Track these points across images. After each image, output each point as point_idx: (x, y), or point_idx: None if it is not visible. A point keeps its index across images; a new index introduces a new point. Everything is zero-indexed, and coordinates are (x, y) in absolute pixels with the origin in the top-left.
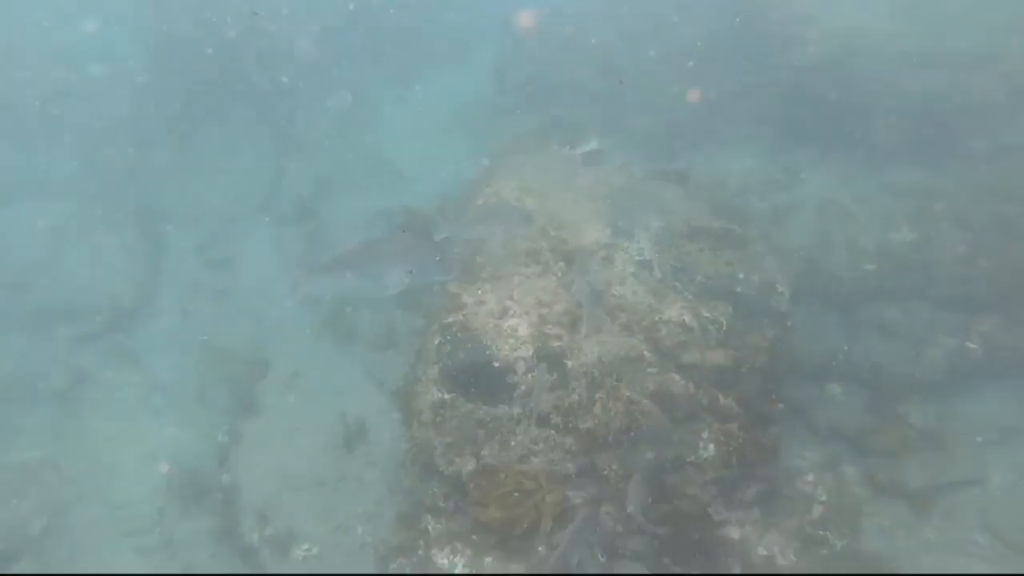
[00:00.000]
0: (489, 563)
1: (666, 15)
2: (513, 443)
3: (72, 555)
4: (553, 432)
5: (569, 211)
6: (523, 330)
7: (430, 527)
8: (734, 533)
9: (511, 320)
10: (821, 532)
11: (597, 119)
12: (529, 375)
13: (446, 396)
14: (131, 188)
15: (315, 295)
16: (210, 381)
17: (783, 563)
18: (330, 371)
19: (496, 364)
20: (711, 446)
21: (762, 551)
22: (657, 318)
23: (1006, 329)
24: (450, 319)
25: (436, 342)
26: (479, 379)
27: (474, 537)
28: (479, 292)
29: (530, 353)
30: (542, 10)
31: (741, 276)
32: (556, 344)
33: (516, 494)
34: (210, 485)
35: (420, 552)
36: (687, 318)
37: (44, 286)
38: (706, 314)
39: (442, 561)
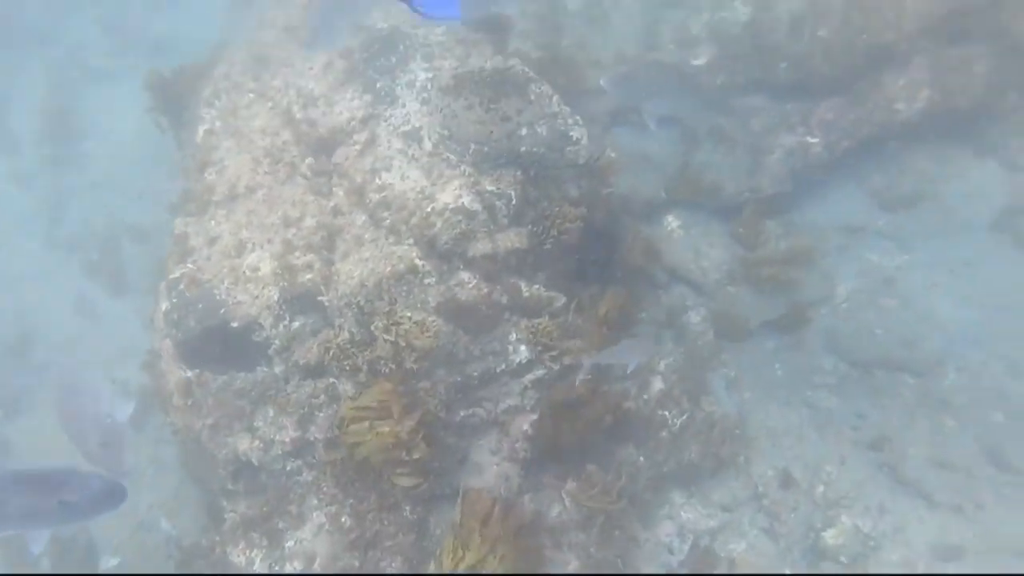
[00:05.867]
0: (290, 546)
1: None
2: (289, 406)
3: None
4: (332, 380)
5: (317, 79)
6: (265, 267)
7: (226, 515)
8: None
9: (250, 256)
10: (660, 412)
11: None
12: (280, 325)
13: (189, 374)
14: None
15: None
16: None
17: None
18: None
19: (235, 324)
20: (523, 348)
21: None
22: (429, 208)
23: (846, 110)
24: (177, 272)
25: (164, 308)
26: (221, 346)
27: (276, 522)
28: (212, 224)
29: (276, 297)
30: None
31: (524, 132)
32: (307, 277)
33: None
34: None
35: (217, 551)
36: (467, 200)
37: None
38: (490, 188)
39: (238, 559)
